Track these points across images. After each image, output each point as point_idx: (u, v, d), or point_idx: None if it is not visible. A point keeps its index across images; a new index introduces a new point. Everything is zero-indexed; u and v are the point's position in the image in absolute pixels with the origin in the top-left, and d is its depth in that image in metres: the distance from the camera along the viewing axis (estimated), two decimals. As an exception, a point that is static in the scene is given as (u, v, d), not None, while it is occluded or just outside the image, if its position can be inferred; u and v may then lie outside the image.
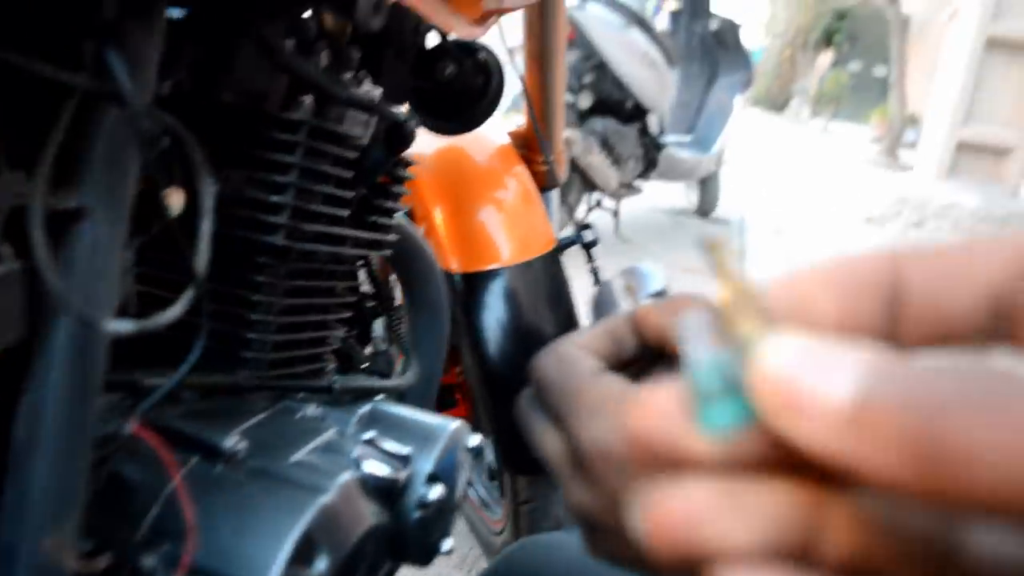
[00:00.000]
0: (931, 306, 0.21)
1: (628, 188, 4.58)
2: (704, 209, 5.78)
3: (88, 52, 0.42)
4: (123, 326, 0.41)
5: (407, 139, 0.71)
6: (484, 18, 0.82)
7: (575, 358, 0.38)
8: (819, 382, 0.19)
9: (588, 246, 1.34)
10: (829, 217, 6.43)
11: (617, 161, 4.37)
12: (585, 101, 4.39)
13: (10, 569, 0.41)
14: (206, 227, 0.46)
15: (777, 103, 15.71)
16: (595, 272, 1.35)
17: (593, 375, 0.36)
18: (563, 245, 1.36)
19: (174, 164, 0.57)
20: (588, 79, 4.37)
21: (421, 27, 0.83)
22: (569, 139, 4.02)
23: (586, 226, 1.36)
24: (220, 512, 0.55)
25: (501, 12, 0.88)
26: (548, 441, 0.38)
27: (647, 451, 0.22)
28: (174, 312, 0.43)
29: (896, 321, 0.22)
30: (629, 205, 4.83)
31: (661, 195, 5.85)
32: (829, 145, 12.16)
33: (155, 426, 0.56)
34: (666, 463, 0.22)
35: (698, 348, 0.21)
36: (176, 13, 0.59)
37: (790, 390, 0.19)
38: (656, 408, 0.22)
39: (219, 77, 0.62)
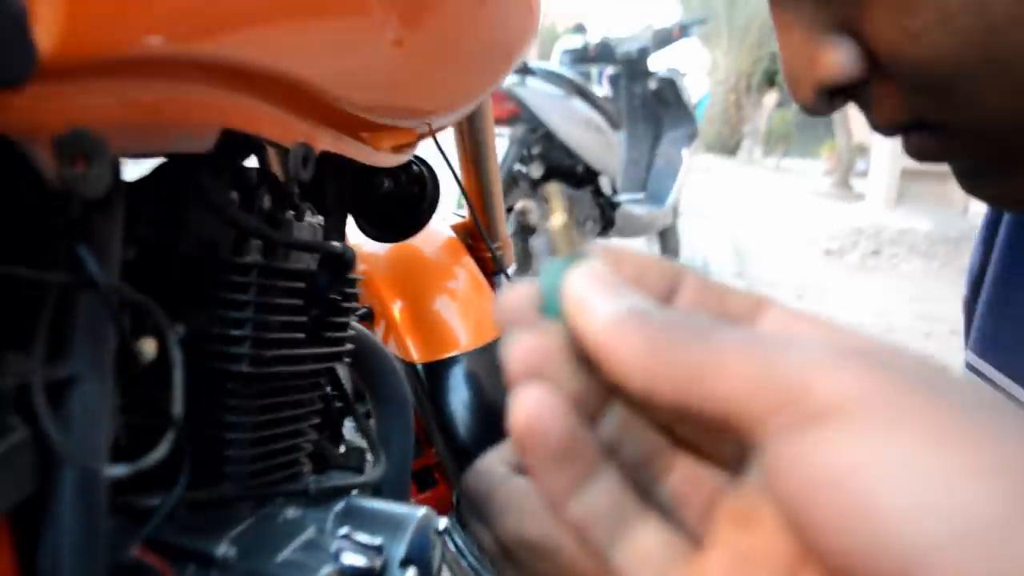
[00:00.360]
0: (689, 306, 0.32)
1: (588, 248, 4.70)
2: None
3: (61, 249, 0.52)
4: (118, 470, 0.50)
5: (347, 265, 0.80)
6: (411, 144, 0.93)
7: (488, 470, 0.48)
8: (603, 298, 0.29)
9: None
10: (789, 252, 6.59)
11: (575, 224, 4.50)
12: (537, 171, 4.54)
13: None
14: (178, 377, 0.55)
15: (729, 146, 16.04)
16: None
17: (501, 481, 0.46)
18: (514, 327, 1.45)
19: (144, 318, 0.67)
20: (537, 149, 4.52)
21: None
22: (525, 208, 4.15)
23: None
24: (217, 615, 0.63)
25: (432, 133, 0.99)
26: (483, 538, 0.48)
27: (510, 323, 0.33)
28: (159, 453, 0.52)
29: (666, 300, 0.32)
30: (593, 264, 4.94)
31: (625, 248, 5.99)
32: (783, 182, 12.45)
33: (154, 541, 0.64)
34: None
35: (543, 261, 0.31)
36: (131, 177, 0.69)
37: (582, 298, 0.30)
38: (517, 298, 0.33)
39: (173, 231, 0.71)
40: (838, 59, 0.47)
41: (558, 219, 0.32)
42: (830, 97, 0.50)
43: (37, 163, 0.45)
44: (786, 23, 0.49)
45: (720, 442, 0.30)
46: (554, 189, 0.33)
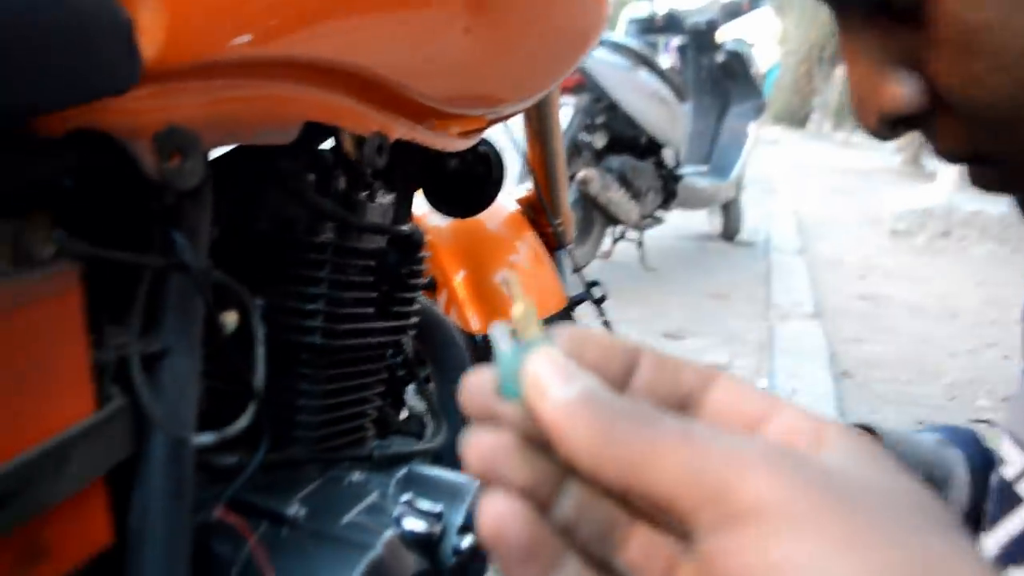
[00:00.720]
0: (646, 385, 0.34)
1: (650, 219, 4.70)
2: (728, 233, 5.87)
3: (156, 234, 0.56)
4: (206, 439, 0.54)
5: (416, 246, 0.84)
6: (480, 129, 0.96)
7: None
8: (557, 383, 0.31)
9: (598, 302, 1.47)
10: (854, 231, 6.48)
11: (636, 195, 4.49)
12: (600, 140, 4.52)
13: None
14: (260, 352, 0.59)
15: (798, 118, 15.71)
16: (607, 325, 1.47)
17: None
18: (574, 303, 1.48)
19: (227, 294, 0.71)
20: (601, 119, 4.50)
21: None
22: (587, 177, 4.15)
23: (594, 283, 1.48)
24: (288, 569, 0.68)
25: (504, 119, 1.03)
26: None
27: (475, 413, 0.34)
28: (243, 423, 0.56)
29: (625, 384, 0.34)
30: (654, 233, 4.95)
31: (686, 222, 5.96)
32: (852, 157, 12.21)
33: (229, 500, 0.69)
34: (487, 419, 0.34)
35: (501, 345, 0.33)
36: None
37: (538, 382, 0.31)
38: (478, 385, 0.34)
39: (254, 212, 0.76)
40: (900, 92, 0.49)
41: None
42: (892, 125, 0.52)
43: (138, 158, 0.49)
44: (853, 52, 0.51)
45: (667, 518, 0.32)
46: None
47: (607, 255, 4.50)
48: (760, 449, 0.29)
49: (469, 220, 1.52)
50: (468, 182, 1.14)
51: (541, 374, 0.31)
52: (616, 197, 4.31)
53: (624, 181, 4.42)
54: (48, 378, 0.47)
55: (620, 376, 0.34)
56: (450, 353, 1.10)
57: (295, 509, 0.72)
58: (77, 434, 0.48)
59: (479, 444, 0.33)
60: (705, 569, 0.28)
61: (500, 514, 0.31)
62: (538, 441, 0.32)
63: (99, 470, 0.51)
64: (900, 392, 3.33)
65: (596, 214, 4.30)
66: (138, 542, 0.54)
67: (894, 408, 3.15)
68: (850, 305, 4.48)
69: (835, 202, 7.77)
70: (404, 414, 1.12)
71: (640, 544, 0.33)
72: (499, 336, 0.33)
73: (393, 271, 0.85)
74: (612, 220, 4.40)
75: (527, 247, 1.51)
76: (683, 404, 0.33)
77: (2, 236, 0.45)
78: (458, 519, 0.82)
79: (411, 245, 0.84)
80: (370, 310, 0.84)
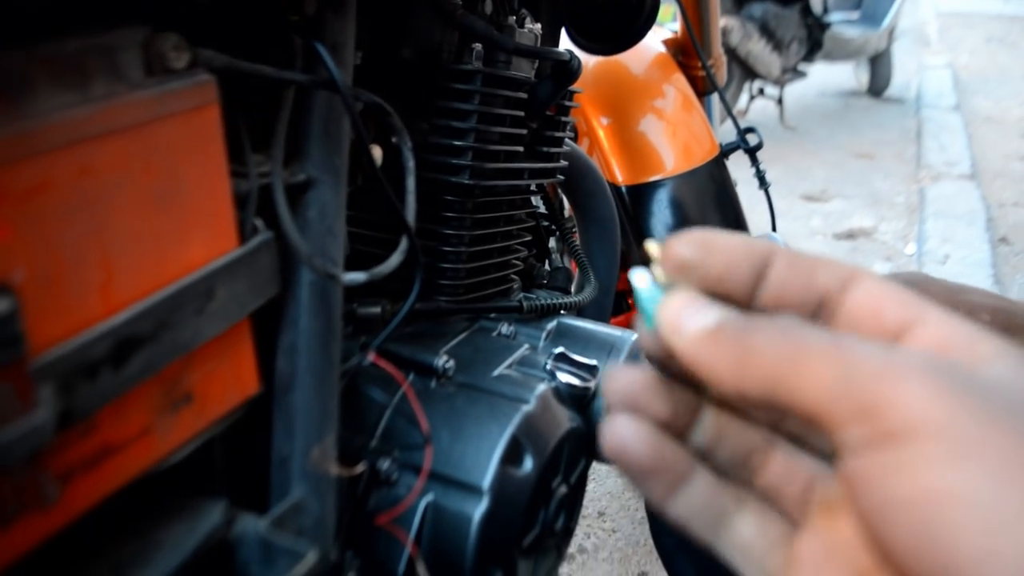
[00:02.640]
0: (778, 288, 0.32)
1: (792, 73, 4.42)
2: (876, 88, 5.50)
3: (297, 47, 0.50)
4: (357, 277, 0.49)
5: (573, 75, 0.76)
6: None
7: None
8: (690, 319, 0.31)
9: (752, 151, 1.36)
10: (1017, 85, 5.96)
11: (778, 46, 4.22)
12: (742, -14, 4.24)
13: (286, 476, 0.51)
14: (412, 183, 0.53)
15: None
16: (761, 176, 1.36)
17: None
18: (726, 151, 1.38)
19: (369, 123, 0.65)
20: (743, -40, 4.21)
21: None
22: (726, 27, 3.91)
23: (750, 129, 1.37)
24: (438, 421, 0.64)
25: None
26: None
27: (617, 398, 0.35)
28: (394, 261, 0.51)
29: (755, 287, 0.33)
30: (794, 90, 4.67)
31: (828, 77, 5.60)
32: (1017, 4, 11.17)
33: (385, 359, 0.65)
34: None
35: (640, 287, 0.34)
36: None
37: (675, 320, 0.32)
38: (627, 379, 0.35)
39: (398, 36, 0.69)
40: None
41: (654, 247, 0.34)
42: None
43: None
44: None
45: (812, 433, 0.31)
46: (652, 247, 0.35)
47: (742, 113, 4.27)
48: (919, 361, 0.26)
49: (612, 62, 1.41)
50: (618, 15, 1.04)
51: (676, 313, 0.32)
52: (757, 49, 4.06)
53: (766, 31, 4.15)
54: (186, 205, 0.42)
55: (750, 280, 0.33)
56: (598, 202, 1.02)
57: (444, 360, 0.67)
58: (220, 269, 0.44)
59: (619, 377, 0.34)
60: (851, 490, 0.27)
61: (620, 434, 0.33)
62: (674, 380, 0.34)
63: (244, 310, 0.46)
64: (1063, 260, 3.09)
65: (734, 67, 4.07)
66: (286, 385, 0.50)
67: (1056, 277, 2.94)
68: (1010, 166, 4.15)
69: (997, 54, 7.14)
70: (548, 267, 1.06)
71: (778, 468, 0.34)
72: (639, 278, 0.34)
73: (545, 104, 0.77)
74: (751, 74, 4.17)
75: (675, 91, 1.40)
76: (818, 308, 0.32)
77: (131, 41, 0.39)
78: (613, 375, 0.76)
79: (567, 73, 0.75)
80: (519, 148, 0.77)
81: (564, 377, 0.71)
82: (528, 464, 0.64)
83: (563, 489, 0.69)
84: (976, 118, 5.03)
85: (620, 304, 1.66)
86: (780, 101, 4.33)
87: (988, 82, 6.04)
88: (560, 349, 0.73)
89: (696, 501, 0.34)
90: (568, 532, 0.73)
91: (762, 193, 1.38)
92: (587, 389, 0.72)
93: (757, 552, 0.34)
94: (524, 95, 0.76)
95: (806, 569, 0.31)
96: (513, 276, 0.88)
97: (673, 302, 0.33)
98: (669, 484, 0.34)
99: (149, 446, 0.43)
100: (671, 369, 0.34)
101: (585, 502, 1.85)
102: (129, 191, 0.39)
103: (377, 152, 0.63)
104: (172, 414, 0.44)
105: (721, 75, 1.48)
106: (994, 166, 4.13)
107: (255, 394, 0.49)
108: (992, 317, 0.32)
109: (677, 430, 0.34)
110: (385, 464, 0.62)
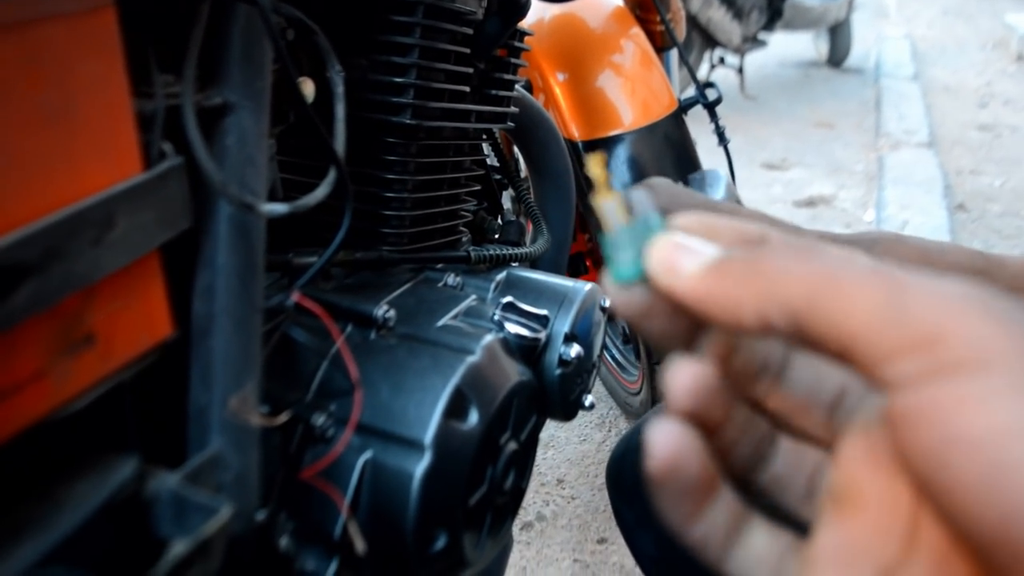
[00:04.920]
0: None
1: (752, 42, 4.40)
2: (835, 59, 5.50)
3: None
4: (277, 208, 0.45)
5: (520, 11, 0.72)
6: None
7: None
8: (688, 257, 0.29)
9: (711, 105, 1.32)
10: (975, 56, 6.00)
11: (739, 14, 4.19)
12: (702, -48, 4.20)
13: (203, 428, 0.47)
14: (340, 110, 0.49)
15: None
16: (720, 132, 1.33)
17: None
18: (685, 106, 1.34)
19: (302, 55, 0.61)
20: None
21: None
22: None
23: (709, 84, 1.33)
24: (377, 374, 0.60)
25: None
26: None
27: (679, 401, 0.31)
28: (321, 192, 0.47)
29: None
30: (754, 60, 4.64)
31: (789, 47, 5.58)
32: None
33: (311, 299, 0.61)
34: None
35: (613, 225, 0.31)
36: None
37: (670, 261, 0.29)
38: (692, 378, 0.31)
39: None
40: None
41: (605, 195, 0.31)
42: None
43: None
44: None
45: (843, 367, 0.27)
46: (595, 160, 0.32)
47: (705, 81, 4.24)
48: (972, 288, 0.24)
49: (568, 16, 1.37)
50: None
51: (668, 255, 0.29)
52: (717, 16, 4.02)
53: (726, -2, 4.12)
54: (78, 122, 0.37)
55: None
56: (551, 152, 0.98)
57: (383, 311, 0.63)
58: (120, 194, 0.39)
59: (685, 376, 0.30)
60: (899, 432, 0.24)
61: (676, 448, 0.29)
62: (664, 318, 0.31)
63: (151, 242, 0.42)
64: (1019, 228, 3.11)
65: (694, 35, 4.03)
66: (203, 329, 0.46)
67: (1011, 244, 2.96)
68: (968, 135, 4.17)
69: (954, 25, 7.18)
70: (501, 221, 1.02)
71: (783, 458, 0.32)
72: (609, 214, 0.31)
73: (492, 43, 0.73)
74: (711, 43, 4.13)
75: (634, 46, 1.36)
76: None
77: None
78: (564, 326, 0.72)
79: (515, 9, 0.71)
80: (465, 88, 0.73)
81: (513, 328, 0.68)
82: (473, 418, 0.60)
83: (512, 446, 0.65)
84: (934, 88, 5.05)
85: (578, 267, 1.63)
86: (740, 70, 4.30)
87: (945, 53, 6.07)
88: (509, 298, 0.69)
89: (717, 521, 0.31)
90: (519, 492, 0.70)
91: (721, 151, 1.35)
92: (537, 340, 0.68)
93: (771, 562, 0.31)
94: (470, 31, 0.71)
95: (824, 569, 0.28)
96: (462, 228, 0.83)
97: (664, 244, 0.30)
98: (700, 502, 0.30)
99: (44, 391, 0.39)
100: (651, 325, 0.31)
101: (544, 470, 1.83)
102: (9, 100, 0.34)
103: (309, 87, 0.59)
104: (71, 356, 0.40)
105: (680, 30, 1.44)
106: (952, 134, 4.14)
107: (168, 338, 0.44)
108: (972, 277, 0.29)
109: (710, 428, 0.31)
110: (320, 419, 0.58)
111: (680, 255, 0.29)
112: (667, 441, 0.29)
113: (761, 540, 0.31)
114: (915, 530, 0.26)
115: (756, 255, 0.27)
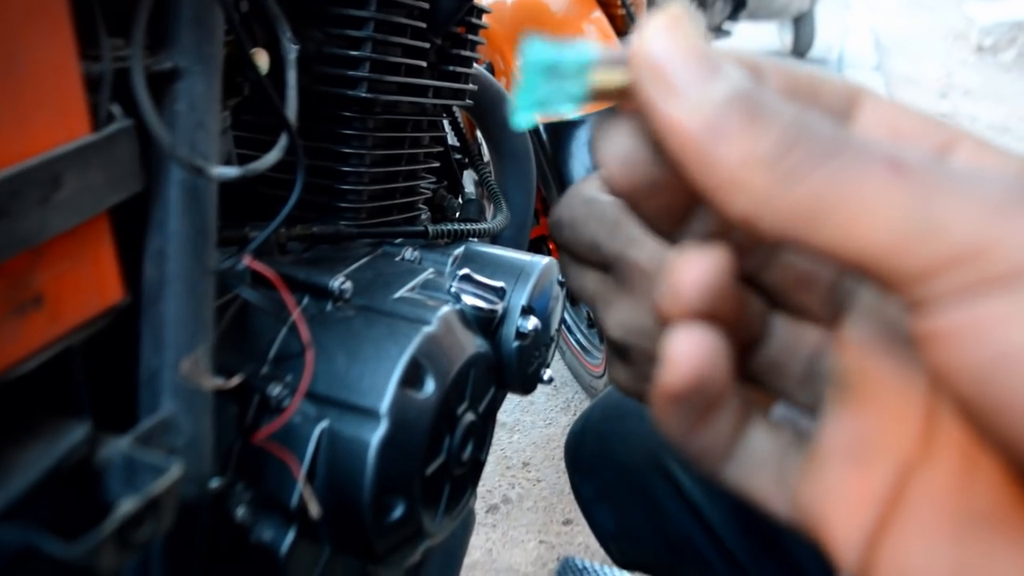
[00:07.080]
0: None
1: (716, 32, 4.43)
2: (799, 49, 5.55)
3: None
4: (228, 171, 0.45)
5: (477, -17, 0.72)
6: None
7: (577, 192, 0.41)
8: (696, 74, 0.23)
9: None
10: (935, 47, 6.08)
11: (703, 4, 4.22)
12: (666, -58, 4.21)
13: (155, 392, 0.47)
14: (292, 77, 0.49)
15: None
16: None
17: (587, 201, 0.40)
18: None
19: (256, 26, 0.61)
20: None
21: None
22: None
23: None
24: (333, 344, 0.60)
25: None
26: (581, 277, 0.41)
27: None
28: (273, 156, 0.47)
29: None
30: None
31: (752, 37, 5.62)
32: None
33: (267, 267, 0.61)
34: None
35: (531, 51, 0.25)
36: None
37: (666, 70, 0.23)
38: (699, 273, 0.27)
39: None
40: None
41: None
42: None
43: None
44: None
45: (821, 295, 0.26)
46: None
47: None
48: (1016, 189, 0.21)
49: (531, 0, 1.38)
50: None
51: (669, 57, 0.23)
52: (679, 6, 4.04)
53: (691, -13, 4.14)
54: (22, 80, 0.37)
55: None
56: (511, 134, 0.99)
57: (340, 282, 0.63)
58: (67, 154, 0.39)
59: (694, 268, 0.25)
60: (935, 351, 0.21)
61: (699, 354, 0.25)
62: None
63: (100, 204, 0.42)
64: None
65: (659, 24, 4.05)
66: (154, 294, 0.46)
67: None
68: (928, 124, 4.22)
69: (917, 16, 7.27)
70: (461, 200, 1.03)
71: (778, 339, 0.29)
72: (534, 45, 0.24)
73: (450, 17, 0.73)
74: (676, 31, 4.15)
75: (596, 30, 1.37)
76: None
77: None
78: (521, 299, 0.73)
79: (472, -17, 0.71)
80: (423, 63, 0.73)
81: (469, 300, 0.68)
82: (430, 387, 0.60)
83: (470, 416, 0.66)
84: (896, 78, 5.11)
85: (540, 250, 1.64)
86: (705, 59, 4.32)
87: (908, 44, 6.14)
88: (465, 271, 0.70)
89: (722, 427, 0.28)
90: (477, 464, 0.70)
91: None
92: (494, 312, 0.69)
93: (772, 464, 0.28)
94: (426, 5, 0.71)
95: (834, 466, 0.25)
96: (421, 205, 0.84)
97: (664, 37, 0.23)
98: (708, 413, 0.27)
99: (-10, 353, 0.39)
100: (647, 205, 0.27)
101: (509, 453, 1.84)
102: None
103: (263, 58, 0.59)
104: (18, 317, 0.40)
105: (641, 13, 1.45)
106: (913, 124, 4.19)
107: (119, 303, 0.44)
108: (778, 80, 0.27)
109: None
110: (276, 389, 0.58)
111: (686, 65, 0.23)
112: (693, 352, 0.25)
113: (762, 441, 0.28)
114: (932, 425, 0.23)
115: (775, 135, 0.22)
